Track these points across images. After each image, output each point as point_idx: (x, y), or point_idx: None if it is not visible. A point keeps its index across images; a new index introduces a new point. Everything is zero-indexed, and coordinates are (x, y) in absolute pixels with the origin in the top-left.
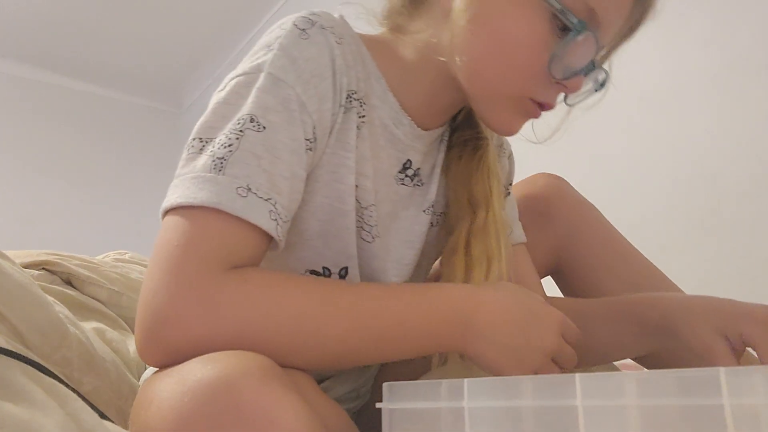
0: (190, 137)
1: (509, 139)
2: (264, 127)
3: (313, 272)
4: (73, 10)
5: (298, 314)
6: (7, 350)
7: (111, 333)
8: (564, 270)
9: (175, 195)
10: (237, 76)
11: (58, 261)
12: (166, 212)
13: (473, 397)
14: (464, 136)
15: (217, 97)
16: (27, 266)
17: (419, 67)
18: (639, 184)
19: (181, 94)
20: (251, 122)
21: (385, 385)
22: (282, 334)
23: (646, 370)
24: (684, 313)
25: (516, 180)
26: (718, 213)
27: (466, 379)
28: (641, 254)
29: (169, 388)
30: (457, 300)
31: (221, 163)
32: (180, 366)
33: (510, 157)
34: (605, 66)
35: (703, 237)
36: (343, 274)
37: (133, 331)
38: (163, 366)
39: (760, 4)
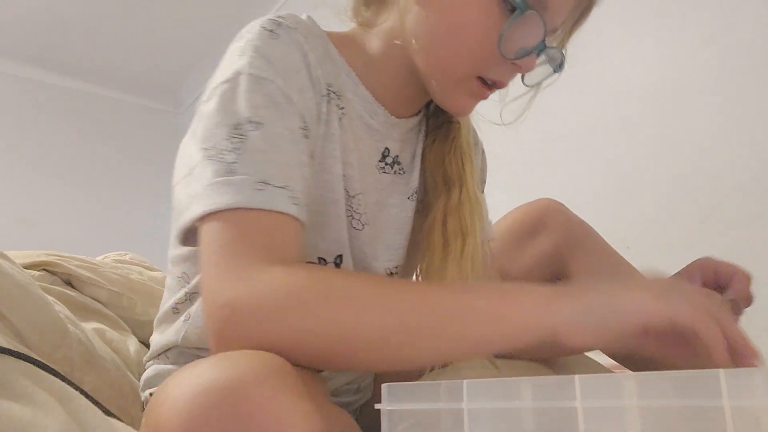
0: (193, 150)
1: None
2: (261, 124)
3: (310, 263)
4: (72, 10)
5: (384, 309)
6: (8, 350)
7: (111, 333)
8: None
9: (199, 206)
10: (220, 84)
11: (59, 262)
12: (198, 223)
13: (472, 398)
14: (437, 122)
15: (206, 107)
16: (27, 267)
17: (385, 58)
18: (640, 183)
19: (180, 94)
20: (248, 123)
21: (384, 386)
22: (369, 328)
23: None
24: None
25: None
26: (720, 212)
27: (465, 381)
28: (634, 267)
29: (182, 385)
30: (534, 312)
31: (232, 166)
32: (195, 364)
33: (483, 153)
34: (564, 50)
35: (704, 236)
36: (338, 262)
37: (132, 332)
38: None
39: (762, 1)
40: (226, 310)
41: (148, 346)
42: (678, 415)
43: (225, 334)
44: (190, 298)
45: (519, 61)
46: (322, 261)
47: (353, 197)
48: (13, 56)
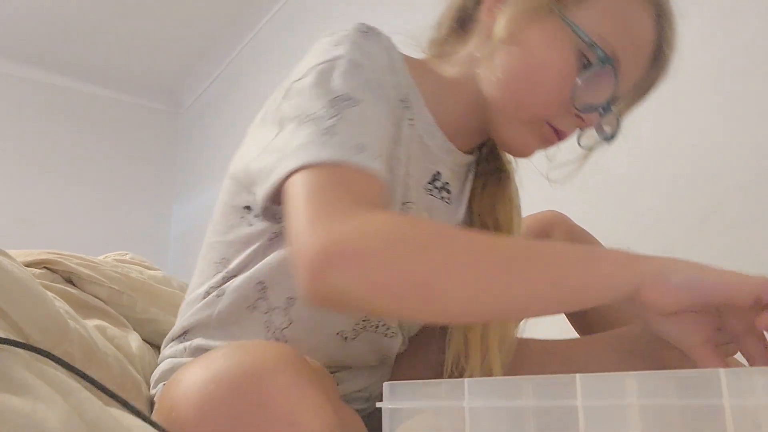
0: (285, 118)
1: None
2: (356, 104)
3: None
4: (73, 10)
5: (467, 251)
6: (9, 339)
7: (112, 330)
8: None
9: (293, 160)
10: (317, 65)
11: (59, 260)
12: (288, 177)
13: (474, 397)
14: (489, 167)
15: (302, 83)
16: (28, 265)
17: (454, 86)
18: (640, 183)
19: (180, 95)
20: (346, 100)
21: (385, 384)
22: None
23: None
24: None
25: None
26: (720, 212)
27: (466, 379)
28: None
29: (196, 371)
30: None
31: (331, 129)
32: (208, 354)
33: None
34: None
35: (704, 236)
36: None
37: (133, 328)
38: (333, 300)
39: (762, 1)
40: (326, 253)
41: (149, 343)
42: (678, 415)
43: (324, 278)
44: (227, 280)
45: (584, 116)
46: None
47: (404, 204)
48: (13, 56)
